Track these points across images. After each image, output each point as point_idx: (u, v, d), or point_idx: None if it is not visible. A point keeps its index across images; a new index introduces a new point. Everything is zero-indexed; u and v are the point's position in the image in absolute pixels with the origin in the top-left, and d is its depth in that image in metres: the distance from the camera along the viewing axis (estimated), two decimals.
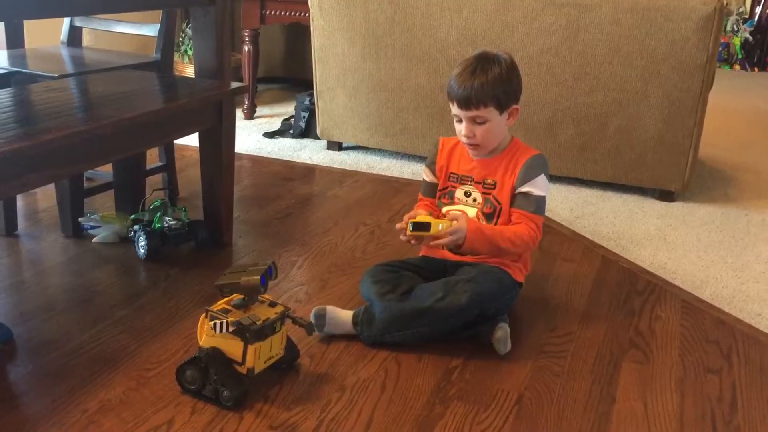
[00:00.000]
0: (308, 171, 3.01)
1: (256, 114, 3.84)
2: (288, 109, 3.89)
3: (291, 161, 3.11)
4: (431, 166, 1.87)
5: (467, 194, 1.81)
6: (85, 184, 2.30)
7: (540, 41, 2.71)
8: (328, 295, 1.90)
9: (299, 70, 4.42)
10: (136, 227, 2.08)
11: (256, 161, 3.09)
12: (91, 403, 1.41)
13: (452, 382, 1.54)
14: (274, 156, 3.17)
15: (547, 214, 2.55)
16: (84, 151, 1.64)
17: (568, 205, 2.70)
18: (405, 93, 2.96)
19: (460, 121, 1.74)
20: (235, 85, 2.10)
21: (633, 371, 1.62)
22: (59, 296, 1.85)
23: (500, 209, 1.77)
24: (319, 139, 3.32)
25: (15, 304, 1.79)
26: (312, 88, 3.22)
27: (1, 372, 1.52)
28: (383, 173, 2.97)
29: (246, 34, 3.67)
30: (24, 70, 2.16)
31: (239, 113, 3.73)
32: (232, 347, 1.42)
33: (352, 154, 3.23)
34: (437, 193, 1.87)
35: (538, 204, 1.75)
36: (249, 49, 3.68)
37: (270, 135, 3.47)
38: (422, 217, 1.71)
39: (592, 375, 1.59)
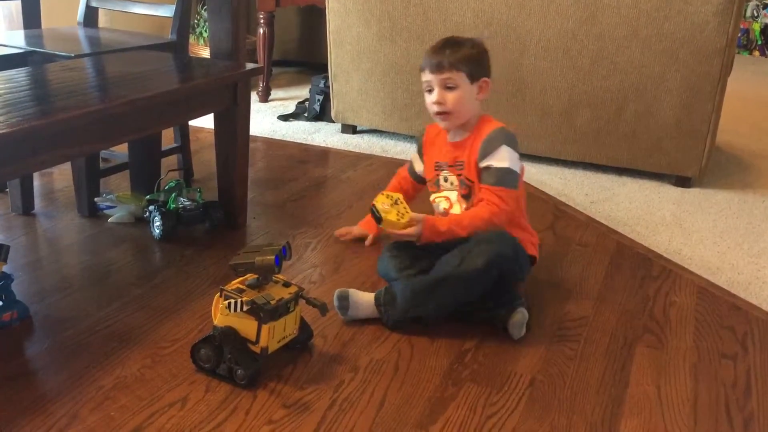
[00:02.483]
0: (322, 154, 3.01)
1: (270, 97, 3.83)
2: (303, 92, 3.88)
3: (305, 144, 3.11)
4: (420, 154, 1.94)
5: (445, 179, 1.83)
6: (101, 165, 2.32)
7: (557, 24, 2.68)
8: (342, 276, 1.90)
9: (314, 53, 4.41)
10: (151, 207, 2.09)
11: (271, 144, 3.09)
12: (107, 380, 1.42)
13: (465, 364, 1.54)
14: (288, 139, 3.17)
15: (562, 198, 2.56)
16: (99, 130, 1.65)
17: (584, 190, 2.69)
18: (420, 76, 2.94)
19: (431, 91, 1.76)
20: (250, 66, 2.10)
21: (647, 356, 1.61)
22: (75, 275, 1.86)
23: (473, 187, 1.77)
24: (333, 122, 3.31)
25: (32, 282, 1.80)
26: (327, 71, 3.22)
27: (18, 348, 1.54)
28: (397, 157, 2.97)
29: (261, 16, 3.66)
30: (40, 50, 2.16)
31: (254, 96, 3.73)
32: (246, 326, 1.43)
33: (366, 137, 3.22)
34: (427, 182, 1.90)
35: (499, 176, 1.72)
36: (264, 32, 3.67)
37: (284, 118, 3.47)
38: (381, 204, 1.69)
39: (606, 359, 1.59)
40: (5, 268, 1.62)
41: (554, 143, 2.86)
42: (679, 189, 2.75)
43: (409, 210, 1.73)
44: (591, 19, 2.63)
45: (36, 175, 2.39)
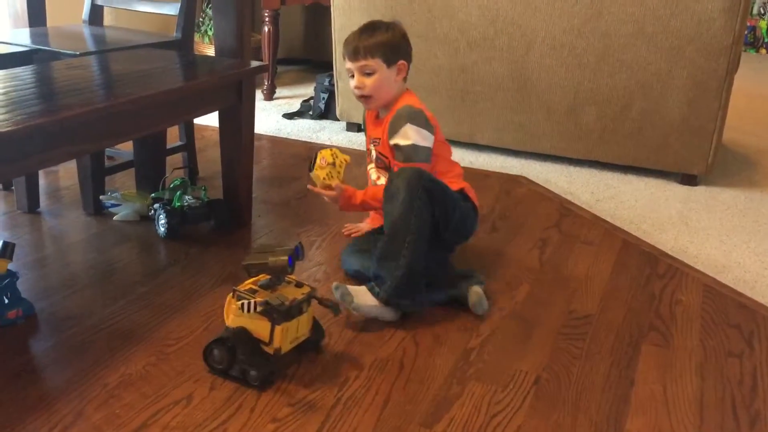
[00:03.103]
0: None
1: (275, 95, 3.83)
2: (307, 90, 3.88)
3: (310, 142, 3.11)
4: (364, 130, 2.06)
5: (371, 153, 1.97)
6: (107, 163, 2.32)
7: (563, 22, 2.67)
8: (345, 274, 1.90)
9: (319, 51, 4.40)
10: (156, 206, 2.09)
11: (276, 142, 3.09)
12: (112, 377, 1.43)
13: (470, 362, 1.54)
14: (293, 137, 3.17)
15: (567, 197, 2.55)
16: (104, 127, 1.65)
17: (589, 188, 2.68)
18: (424, 74, 2.94)
19: (353, 76, 1.87)
20: (255, 64, 2.10)
21: (652, 354, 1.60)
22: (81, 272, 1.86)
23: (389, 162, 1.88)
24: (338, 120, 3.31)
25: (37, 279, 1.81)
26: (332, 69, 3.21)
27: (23, 346, 1.54)
28: None
29: (266, 14, 3.66)
30: (46, 48, 2.17)
31: (259, 94, 3.73)
32: (260, 327, 1.42)
33: None
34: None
35: (407, 153, 1.80)
36: (269, 30, 3.67)
37: (289, 116, 3.47)
38: (322, 158, 1.79)
39: (611, 357, 1.59)
40: (10, 266, 1.62)
41: (559, 141, 2.85)
42: (685, 187, 2.73)
43: (341, 177, 1.82)
44: (597, 16, 2.62)
45: (41, 173, 2.39)
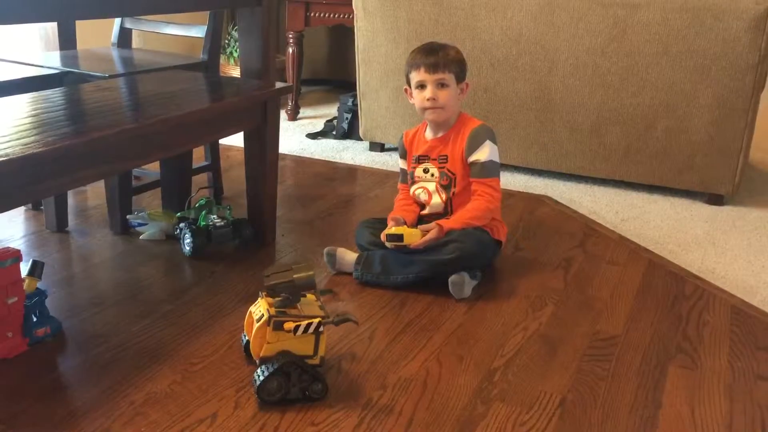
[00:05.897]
0: (350, 172, 3.02)
1: (299, 115, 3.87)
2: (331, 110, 3.91)
3: (333, 162, 3.13)
4: (404, 157, 2.14)
5: (426, 171, 2.06)
6: (134, 183, 2.35)
7: (586, 42, 2.67)
8: (369, 293, 1.90)
9: (342, 71, 4.45)
10: (182, 225, 2.11)
11: (299, 161, 3.11)
12: (138, 395, 1.44)
13: (494, 382, 1.53)
14: (316, 156, 3.19)
15: (591, 216, 2.54)
16: (133, 148, 1.68)
17: (614, 208, 2.66)
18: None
19: (423, 88, 1.97)
20: (279, 85, 2.13)
21: (680, 376, 1.58)
22: (108, 291, 1.89)
23: (454, 179, 2.01)
24: (361, 140, 3.33)
25: (65, 297, 1.83)
26: (355, 90, 3.24)
27: (51, 363, 1.56)
28: None
29: (290, 36, 3.71)
30: (76, 70, 2.21)
31: (283, 114, 3.76)
32: (302, 344, 1.43)
33: (394, 155, 3.22)
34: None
35: (486, 168, 1.98)
36: (293, 51, 3.71)
37: (313, 136, 3.50)
38: (396, 229, 1.91)
39: (638, 379, 1.57)
40: (39, 285, 1.65)
41: (584, 161, 2.84)
42: (712, 207, 2.71)
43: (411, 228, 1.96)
44: (620, 36, 2.62)
45: (70, 193, 2.43)
